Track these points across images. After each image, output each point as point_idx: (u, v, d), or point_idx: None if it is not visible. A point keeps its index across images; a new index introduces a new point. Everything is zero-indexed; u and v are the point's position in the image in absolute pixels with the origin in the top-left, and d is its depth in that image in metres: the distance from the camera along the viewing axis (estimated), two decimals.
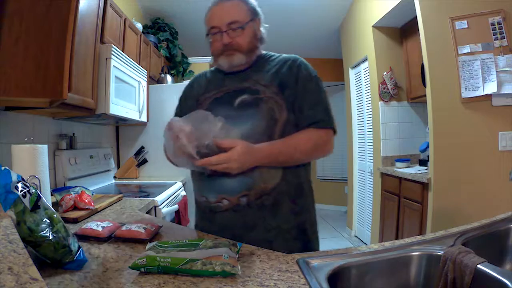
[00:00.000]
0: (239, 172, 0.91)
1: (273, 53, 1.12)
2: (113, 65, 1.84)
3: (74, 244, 0.72)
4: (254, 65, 1.07)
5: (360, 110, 3.67)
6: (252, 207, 0.95)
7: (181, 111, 1.13)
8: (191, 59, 3.91)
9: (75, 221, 1.15)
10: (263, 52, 1.12)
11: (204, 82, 1.13)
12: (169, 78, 3.15)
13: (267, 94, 0.98)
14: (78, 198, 1.28)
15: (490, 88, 2.07)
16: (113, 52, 1.83)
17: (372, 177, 3.29)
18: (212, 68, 1.16)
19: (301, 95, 1.00)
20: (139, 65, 2.36)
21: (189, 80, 1.23)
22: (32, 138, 1.65)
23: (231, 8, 1.00)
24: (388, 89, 3.09)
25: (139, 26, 2.77)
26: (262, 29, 1.07)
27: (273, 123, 0.96)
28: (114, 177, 2.52)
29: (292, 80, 1.01)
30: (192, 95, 1.12)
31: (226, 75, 1.08)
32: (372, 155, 3.31)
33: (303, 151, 0.98)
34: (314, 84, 1.03)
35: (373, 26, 3.14)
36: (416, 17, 2.39)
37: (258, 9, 1.06)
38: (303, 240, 1.01)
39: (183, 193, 2.33)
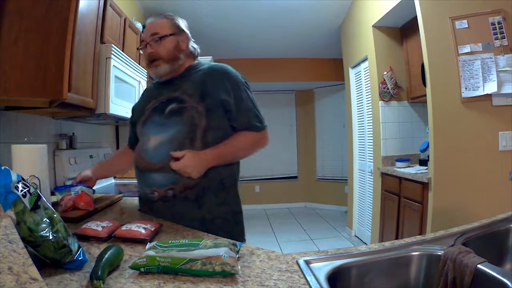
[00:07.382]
0: (199, 175, 1.09)
1: (203, 62, 1.26)
2: (113, 65, 1.84)
3: (74, 244, 0.72)
4: (184, 75, 1.21)
5: (360, 110, 3.66)
6: (177, 199, 1.12)
7: (134, 121, 1.32)
8: None
9: (75, 221, 1.15)
10: (195, 62, 1.27)
11: (147, 93, 1.30)
12: None
13: (190, 103, 1.12)
14: (78, 198, 1.28)
15: (490, 88, 2.07)
16: (113, 52, 1.83)
17: (372, 177, 3.29)
18: (155, 80, 1.30)
19: (233, 103, 1.15)
20: (139, 65, 2.36)
21: None
22: (32, 138, 1.65)
23: (155, 24, 1.22)
24: (388, 89, 3.09)
25: (139, 26, 2.77)
26: (190, 44, 1.25)
27: (194, 128, 1.12)
28: (114, 177, 2.51)
29: (216, 89, 1.14)
30: (141, 106, 1.28)
31: (162, 85, 1.24)
32: (372, 155, 3.31)
33: (243, 149, 1.19)
34: (243, 92, 1.18)
35: (373, 26, 3.14)
36: (416, 17, 2.39)
37: (184, 27, 1.25)
38: (227, 229, 1.13)
39: None
